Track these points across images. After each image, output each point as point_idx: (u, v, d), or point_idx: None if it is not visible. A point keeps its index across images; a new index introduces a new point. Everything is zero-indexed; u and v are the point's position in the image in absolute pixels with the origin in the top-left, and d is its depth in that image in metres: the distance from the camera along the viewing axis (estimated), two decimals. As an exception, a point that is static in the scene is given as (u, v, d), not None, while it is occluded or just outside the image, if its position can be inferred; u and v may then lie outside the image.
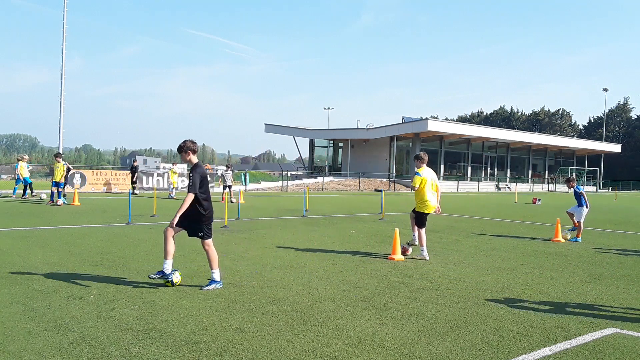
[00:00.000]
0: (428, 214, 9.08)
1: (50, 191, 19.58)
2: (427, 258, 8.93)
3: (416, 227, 9.12)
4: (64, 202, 18.88)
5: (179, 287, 6.46)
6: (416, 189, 8.95)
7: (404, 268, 8.20)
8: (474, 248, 10.63)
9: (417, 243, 9.12)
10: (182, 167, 31.64)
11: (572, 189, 12.70)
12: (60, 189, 18.83)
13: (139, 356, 4.19)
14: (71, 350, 4.28)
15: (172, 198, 24.39)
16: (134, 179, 27.35)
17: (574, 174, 13.92)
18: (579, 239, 12.11)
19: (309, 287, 6.71)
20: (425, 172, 9.01)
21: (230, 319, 5.22)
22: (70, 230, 11.70)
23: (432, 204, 9.01)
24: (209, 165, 30.19)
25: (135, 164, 28.25)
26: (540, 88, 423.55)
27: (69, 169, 20.01)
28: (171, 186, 25.49)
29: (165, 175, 31.28)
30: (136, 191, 26.80)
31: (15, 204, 18.95)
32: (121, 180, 28.91)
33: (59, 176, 18.94)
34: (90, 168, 35.64)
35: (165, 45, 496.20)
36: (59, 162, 19.34)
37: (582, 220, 12.39)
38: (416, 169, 9.15)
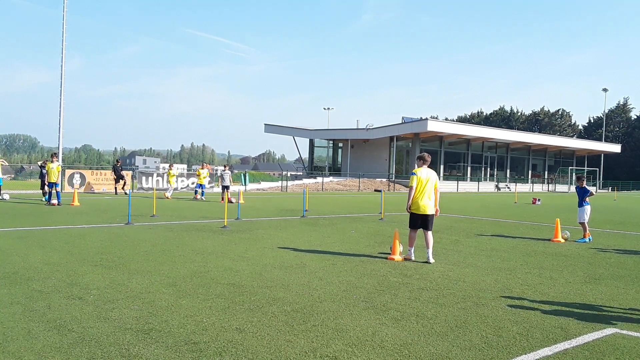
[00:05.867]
0: (418, 214, 8.83)
1: (50, 192, 19.58)
2: (412, 259, 8.85)
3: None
4: (48, 201, 19.06)
5: (179, 287, 6.46)
6: (414, 187, 8.84)
7: (404, 268, 8.20)
8: (473, 248, 10.63)
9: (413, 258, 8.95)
10: (182, 167, 31.58)
11: (581, 187, 12.58)
12: (57, 189, 18.85)
13: (138, 356, 4.19)
14: (71, 350, 4.28)
15: (166, 198, 24.39)
16: (117, 179, 26.81)
17: (581, 174, 14.05)
18: (586, 239, 12.05)
19: (309, 287, 6.71)
20: (422, 172, 8.89)
21: (230, 319, 5.22)
22: (70, 230, 11.70)
23: (422, 203, 8.76)
24: (209, 166, 30.14)
25: (119, 164, 27.92)
26: (540, 88, 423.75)
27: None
28: (169, 186, 25.56)
29: (165, 175, 31.30)
30: (120, 190, 26.62)
31: (15, 204, 18.95)
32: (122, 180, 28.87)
33: (54, 177, 18.94)
34: (90, 168, 35.59)
35: (165, 45, 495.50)
36: (54, 162, 19.35)
37: (584, 221, 12.33)
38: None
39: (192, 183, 31.20)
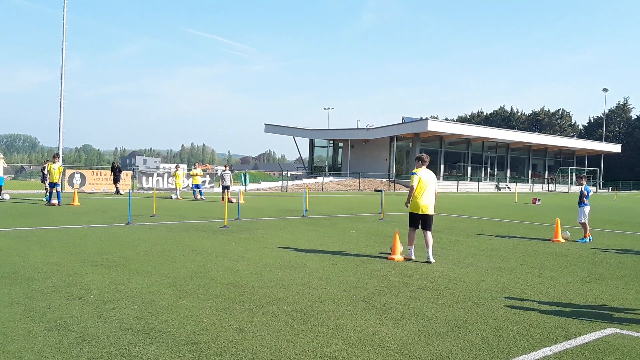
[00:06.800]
0: (417, 214, 8.87)
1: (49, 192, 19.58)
2: (413, 258, 8.91)
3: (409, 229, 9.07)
4: (48, 201, 19.05)
5: (179, 287, 6.46)
6: (414, 187, 8.86)
7: (404, 268, 8.20)
8: (473, 248, 10.63)
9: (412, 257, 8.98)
10: (182, 167, 31.56)
11: (580, 187, 12.58)
12: (57, 189, 18.85)
13: (138, 356, 4.19)
14: (71, 350, 4.28)
15: (171, 198, 24.39)
16: (116, 179, 26.56)
17: (582, 173, 14.03)
18: (587, 239, 12.06)
19: (309, 287, 6.71)
20: (422, 172, 8.91)
21: (230, 319, 5.22)
22: (70, 230, 11.70)
23: (422, 203, 8.81)
24: (209, 165, 30.10)
25: (117, 164, 27.55)
26: (540, 88, 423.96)
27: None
28: (177, 189, 25.44)
29: (165, 175, 31.27)
30: (121, 191, 26.48)
31: (15, 204, 18.96)
32: (123, 181, 28.82)
33: (55, 177, 18.93)
34: (90, 168, 35.61)
35: (165, 45, 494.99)
36: (55, 163, 19.36)
37: (583, 221, 12.32)
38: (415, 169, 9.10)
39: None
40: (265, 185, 41.45)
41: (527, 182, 58.96)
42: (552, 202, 31.12)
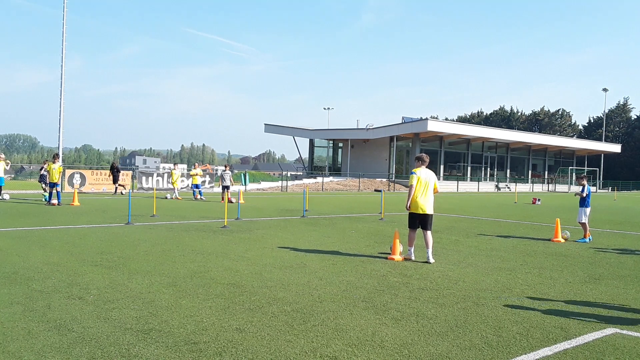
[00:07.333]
0: (416, 214, 8.87)
1: (49, 192, 19.58)
2: (412, 258, 8.91)
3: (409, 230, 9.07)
4: (48, 201, 19.07)
5: (179, 287, 6.46)
6: (414, 186, 8.85)
7: (404, 268, 8.20)
8: (473, 248, 10.63)
9: (412, 258, 8.96)
10: (182, 167, 31.57)
11: (582, 187, 12.55)
12: (57, 189, 18.86)
13: (138, 356, 4.19)
14: (71, 350, 4.28)
15: (166, 198, 24.29)
16: (116, 179, 26.38)
17: (583, 173, 13.97)
18: (586, 239, 12.06)
19: (309, 287, 6.71)
20: (421, 172, 8.91)
21: (230, 319, 5.22)
22: (70, 230, 11.70)
23: (421, 202, 8.80)
24: (209, 165, 30.07)
25: (116, 164, 27.37)
26: (540, 88, 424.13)
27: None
28: (174, 188, 25.40)
29: (165, 175, 31.28)
30: (122, 191, 26.39)
31: (15, 204, 18.95)
32: (122, 181, 28.80)
33: (55, 177, 18.95)
34: (90, 168, 35.59)
35: (165, 45, 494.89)
36: (55, 163, 19.38)
37: (583, 221, 12.31)
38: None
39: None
40: (265, 185, 41.46)
41: (527, 182, 58.98)
42: (552, 202, 31.13)
